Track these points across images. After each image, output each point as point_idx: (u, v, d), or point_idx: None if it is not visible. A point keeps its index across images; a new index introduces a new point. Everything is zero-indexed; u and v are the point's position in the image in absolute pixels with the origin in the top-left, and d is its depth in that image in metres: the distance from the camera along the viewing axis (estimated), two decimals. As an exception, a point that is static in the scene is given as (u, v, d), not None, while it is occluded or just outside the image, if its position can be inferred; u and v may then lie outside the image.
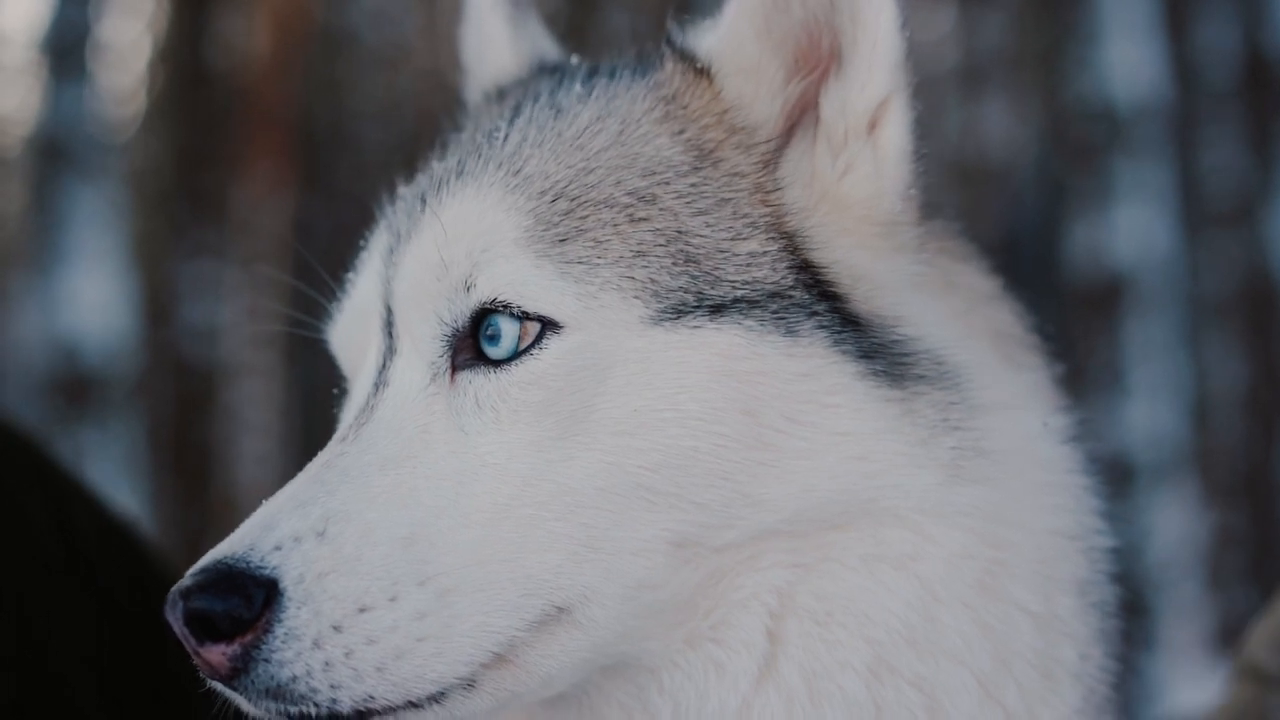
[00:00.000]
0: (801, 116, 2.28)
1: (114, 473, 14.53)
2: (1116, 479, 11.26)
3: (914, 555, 2.14)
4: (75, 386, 14.57)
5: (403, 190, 2.42)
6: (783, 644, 2.14)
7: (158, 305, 15.50)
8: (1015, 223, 13.67)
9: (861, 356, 2.15)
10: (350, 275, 2.41)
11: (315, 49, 16.79)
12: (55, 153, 15.43)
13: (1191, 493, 12.33)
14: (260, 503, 2.09)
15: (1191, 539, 12.25)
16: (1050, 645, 2.21)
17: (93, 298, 14.59)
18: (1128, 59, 12.62)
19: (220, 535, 2.07)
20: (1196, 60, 13.04)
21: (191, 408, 15.61)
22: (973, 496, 2.16)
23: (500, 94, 2.64)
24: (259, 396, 14.98)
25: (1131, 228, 12.45)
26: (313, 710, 1.98)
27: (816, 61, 2.26)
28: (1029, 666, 2.19)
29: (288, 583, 1.96)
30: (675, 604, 2.12)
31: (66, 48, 15.52)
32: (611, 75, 2.39)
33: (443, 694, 2.02)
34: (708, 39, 2.31)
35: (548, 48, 2.74)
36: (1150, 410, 12.30)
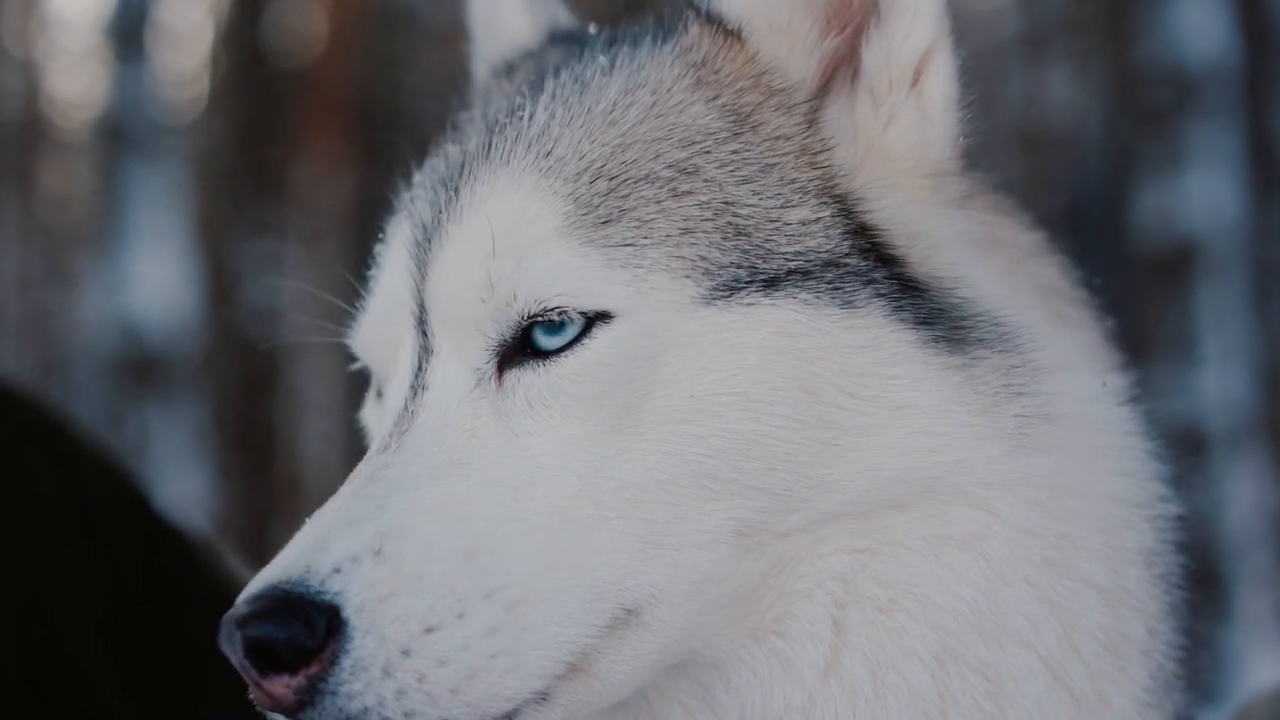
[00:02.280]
0: (834, 73, 2.19)
1: (180, 451, 14.67)
2: (1188, 448, 11.12)
3: (980, 534, 2.04)
4: (140, 366, 14.71)
5: (420, 176, 2.31)
6: (846, 634, 2.04)
7: (221, 284, 15.63)
8: (1081, 190, 13.52)
9: (920, 323, 2.05)
10: (372, 272, 2.29)
11: (374, 27, 16.85)
12: (119, 135, 15.56)
13: (1264, 461, 12.16)
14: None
15: (1265, 508, 12.08)
16: (1118, 621, 2.10)
17: (156, 278, 14.72)
18: (1196, 19, 12.41)
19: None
20: (1267, 20, 12.81)
21: (255, 386, 15.74)
22: (1039, 466, 2.06)
23: (509, 69, 2.53)
24: (322, 374, 15.07)
25: (1201, 192, 12.25)
26: None
27: (849, 15, 2.17)
28: (1097, 645, 2.08)
29: (349, 611, 1.86)
30: (740, 596, 2.03)
31: (129, 32, 15.63)
32: (632, 44, 2.28)
33: (516, 711, 1.93)
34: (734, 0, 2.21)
35: (561, 15, 2.63)
36: (1222, 378, 12.12)
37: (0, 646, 2.76)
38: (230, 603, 1.94)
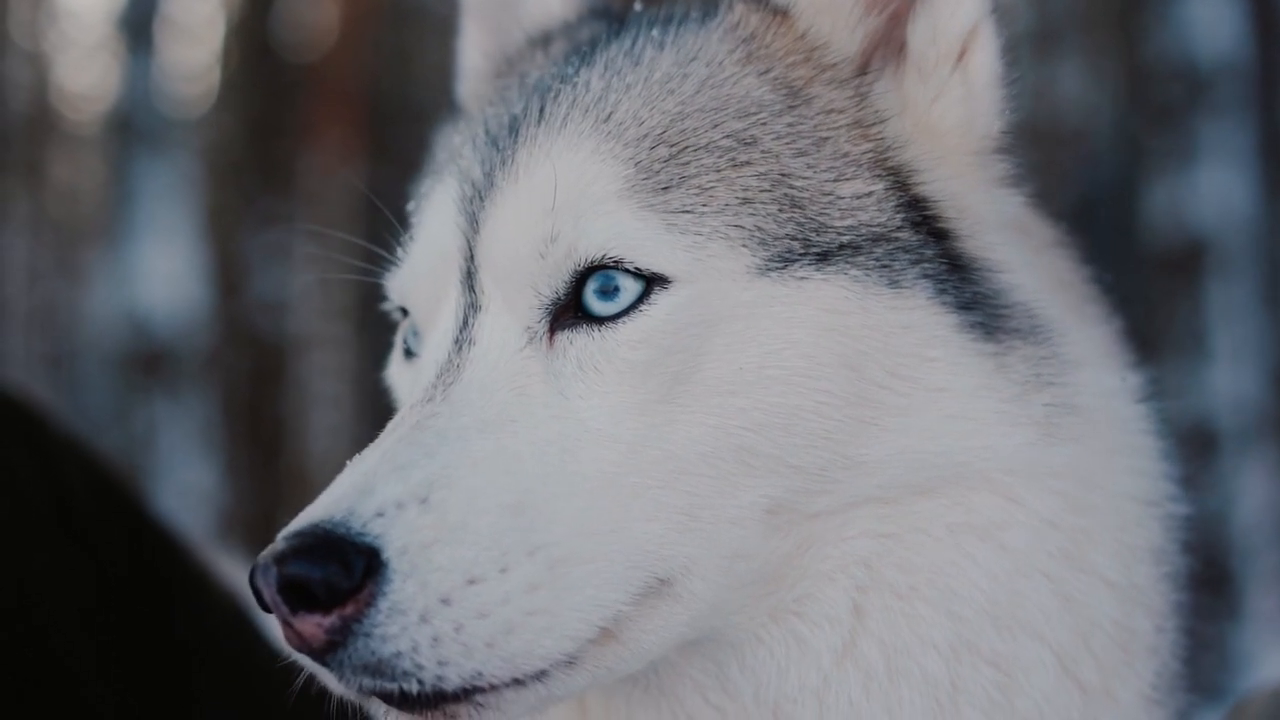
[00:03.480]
0: (874, 52, 2.23)
1: (187, 444, 14.67)
2: (1198, 445, 11.08)
3: (1001, 523, 2.06)
4: (148, 359, 14.70)
5: (461, 135, 2.33)
6: (865, 619, 2.06)
7: (229, 277, 15.62)
8: (1092, 185, 13.48)
9: (961, 308, 2.08)
10: (414, 221, 2.32)
11: (383, 21, 16.85)
12: (129, 129, 15.55)
13: (1275, 459, 12.12)
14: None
15: (1275, 506, 12.04)
16: (1128, 617, 2.13)
17: (165, 271, 14.71)
18: (1207, 16, 12.36)
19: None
20: (1279, 16, 12.76)
21: (263, 380, 15.75)
22: (1064, 456, 2.09)
23: (546, 39, 2.55)
24: (330, 367, 15.08)
25: (1213, 189, 12.20)
26: (415, 687, 1.87)
27: None
28: (1108, 640, 2.11)
29: (391, 553, 1.85)
30: (764, 575, 2.04)
31: (139, 25, 15.63)
32: (677, 22, 2.31)
33: (546, 671, 1.93)
34: None
35: None
36: (1233, 375, 12.08)
37: None
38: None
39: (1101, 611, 2.10)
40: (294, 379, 15.68)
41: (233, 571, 3.29)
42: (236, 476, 15.17)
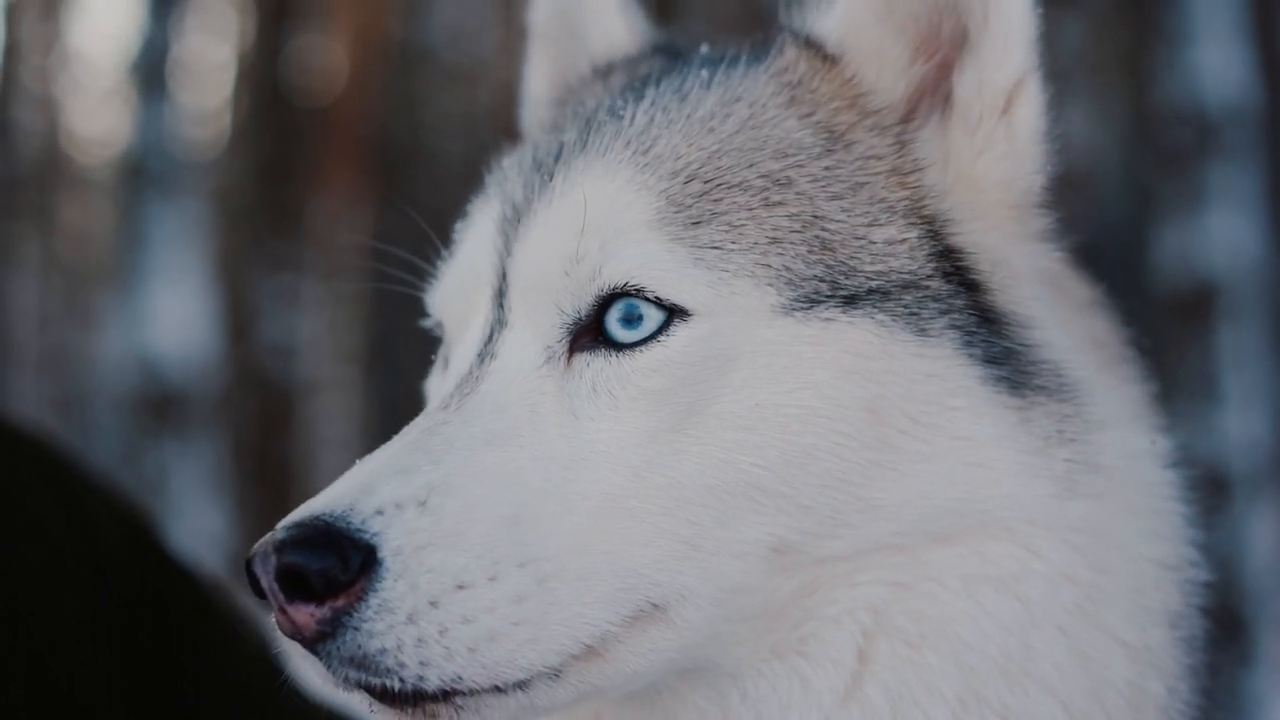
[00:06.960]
0: (921, 100, 2.24)
1: (197, 488, 14.66)
2: (1211, 489, 11.03)
3: (1018, 575, 2.06)
4: (158, 403, 14.72)
5: (509, 161, 2.38)
6: (871, 664, 2.07)
7: (239, 322, 15.66)
8: (1100, 229, 13.50)
9: (988, 361, 2.09)
10: (455, 238, 2.37)
11: (392, 66, 16.95)
12: (140, 173, 15.63)
13: (1287, 503, 12.08)
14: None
15: (1287, 550, 11.99)
16: (1141, 677, 2.13)
17: (175, 315, 14.74)
18: (1216, 60, 12.40)
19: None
20: (1287, 60, 12.80)
21: (273, 423, 15.76)
22: (1083, 512, 2.09)
23: (608, 70, 2.61)
24: (339, 411, 15.08)
25: (1221, 233, 12.22)
26: (397, 685, 1.92)
27: (938, 44, 2.23)
28: (1120, 699, 2.11)
29: (386, 552, 1.90)
30: (766, 611, 2.05)
31: (151, 70, 15.74)
32: (729, 63, 2.35)
33: (528, 682, 1.95)
34: (826, 24, 2.28)
35: (650, 28, 2.72)
36: (1244, 419, 12.05)
37: (10, 692, 2.71)
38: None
39: (1115, 671, 2.10)
40: (303, 422, 15.69)
41: (257, 610, 3.28)
42: (246, 519, 15.16)
